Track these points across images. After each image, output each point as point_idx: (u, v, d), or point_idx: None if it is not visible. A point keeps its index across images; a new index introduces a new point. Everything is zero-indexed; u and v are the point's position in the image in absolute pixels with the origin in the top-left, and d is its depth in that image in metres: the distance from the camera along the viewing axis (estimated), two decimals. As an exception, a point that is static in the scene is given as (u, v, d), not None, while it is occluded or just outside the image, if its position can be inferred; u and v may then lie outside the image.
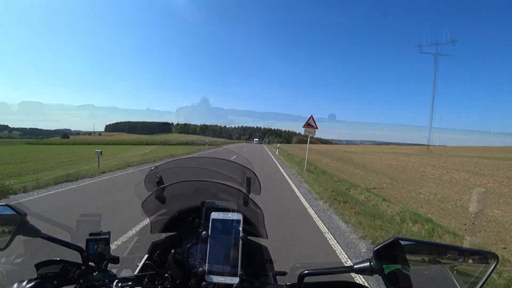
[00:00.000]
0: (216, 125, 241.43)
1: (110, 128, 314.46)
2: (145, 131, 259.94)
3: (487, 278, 0.54)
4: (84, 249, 0.73)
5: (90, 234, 0.75)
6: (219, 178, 1.06)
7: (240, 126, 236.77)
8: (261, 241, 1.04)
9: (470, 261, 0.56)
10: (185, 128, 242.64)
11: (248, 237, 0.78)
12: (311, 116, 12.35)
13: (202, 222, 0.86)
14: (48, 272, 0.69)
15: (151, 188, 1.02)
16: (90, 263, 0.72)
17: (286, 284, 0.69)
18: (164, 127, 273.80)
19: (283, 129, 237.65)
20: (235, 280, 0.63)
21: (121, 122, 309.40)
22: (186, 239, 0.95)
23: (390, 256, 0.57)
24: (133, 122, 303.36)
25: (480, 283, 0.54)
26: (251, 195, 1.02)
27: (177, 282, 0.86)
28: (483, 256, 0.56)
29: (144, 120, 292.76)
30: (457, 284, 0.55)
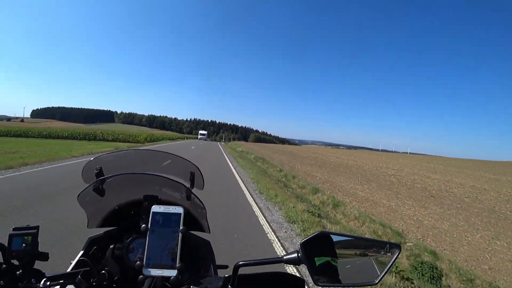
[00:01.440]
0: (166, 116, 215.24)
1: (38, 113, 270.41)
2: (80, 120, 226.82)
3: (391, 265, 0.65)
4: (6, 245, 0.66)
5: (14, 229, 0.68)
6: (162, 172, 1.04)
7: (193, 118, 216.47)
8: (205, 236, 1.04)
9: (382, 251, 0.67)
10: (130, 118, 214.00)
11: (191, 232, 0.85)
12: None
13: (143, 216, 0.89)
14: None
15: (89, 179, 0.98)
16: (13, 261, 0.67)
17: (224, 276, 0.72)
18: (106, 116, 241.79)
19: (240, 125, 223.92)
20: (172, 273, 0.63)
21: (52, 108, 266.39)
22: (126, 234, 0.93)
23: (316, 248, 0.64)
24: (67, 108, 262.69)
25: (385, 270, 0.65)
26: (194, 190, 1.04)
27: (115, 278, 0.84)
28: (390, 246, 0.68)
29: (82, 107, 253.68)
30: (371, 272, 0.66)
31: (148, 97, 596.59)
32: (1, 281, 0.64)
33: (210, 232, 1.04)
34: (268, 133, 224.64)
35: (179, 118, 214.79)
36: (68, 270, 0.79)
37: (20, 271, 0.66)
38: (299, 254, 0.64)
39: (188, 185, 1.05)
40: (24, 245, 0.67)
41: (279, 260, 0.67)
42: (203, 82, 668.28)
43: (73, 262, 0.84)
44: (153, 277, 0.65)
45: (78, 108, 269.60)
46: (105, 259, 0.91)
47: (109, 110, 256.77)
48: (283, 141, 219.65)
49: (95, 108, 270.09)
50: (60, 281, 0.70)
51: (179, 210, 0.70)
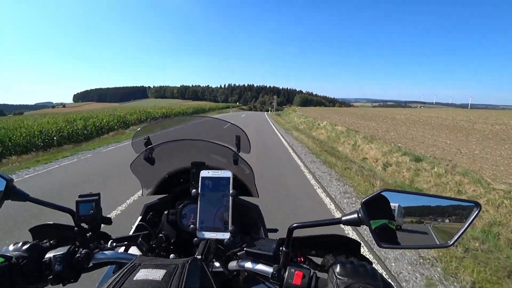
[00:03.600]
0: (198, 86, 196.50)
1: (79, 97, 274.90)
2: (116, 99, 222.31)
3: (468, 225, 0.58)
4: (75, 211, 0.74)
5: (80, 196, 0.76)
6: (208, 137, 1.07)
7: (227, 85, 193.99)
8: (253, 200, 1.06)
9: (457, 209, 0.60)
10: (161, 92, 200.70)
11: (240, 196, 0.85)
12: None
13: (193, 182, 0.95)
14: (42, 235, 0.75)
15: (139, 149, 1.02)
16: (82, 224, 0.74)
17: (277, 238, 0.73)
18: (139, 93, 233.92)
19: (281, 87, 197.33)
20: (226, 236, 0.66)
21: (90, 90, 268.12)
22: (178, 200, 0.98)
23: (377, 208, 0.60)
24: (103, 88, 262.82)
25: (461, 231, 0.58)
26: (241, 154, 1.06)
27: (172, 241, 0.89)
28: (467, 203, 0.60)
29: (115, 86, 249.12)
30: (438, 239, 0.59)
31: (180, 67, 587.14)
32: (77, 242, 0.71)
33: (258, 196, 1.06)
34: (314, 93, 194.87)
35: (213, 86, 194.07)
36: (130, 233, 0.86)
37: (90, 233, 0.73)
38: (360, 215, 0.59)
39: (234, 149, 1.06)
40: (90, 210, 0.74)
41: (338, 221, 0.63)
42: (234, 46, 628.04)
43: (133, 227, 0.92)
44: (207, 239, 0.68)
45: (113, 87, 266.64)
46: (161, 223, 0.96)
47: (142, 86, 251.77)
48: (332, 101, 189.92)
49: (129, 85, 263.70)
50: (125, 243, 0.78)
51: (227, 174, 0.71)
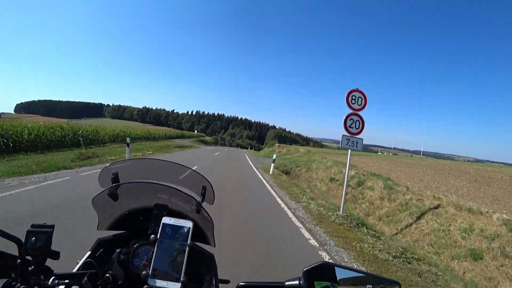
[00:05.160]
0: (163, 109, 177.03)
1: (22, 108, 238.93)
2: (66, 115, 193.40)
3: None
4: (23, 241, 0.71)
5: (32, 226, 0.72)
6: (175, 183, 1.10)
7: (195, 111, 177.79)
8: (209, 248, 1.07)
9: (382, 286, 0.69)
10: (120, 112, 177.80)
11: (196, 243, 0.85)
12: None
13: (152, 224, 0.94)
14: None
15: (105, 184, 1.04)
16: (27, 257, 0.70)
17: None
18: (95, 110, 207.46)
19: (253, 120, 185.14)
20: (177, 286, 0.67)
21: (37, 101, 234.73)
22: (134, 239, 0.97)
23: (318, 277, 0.67)
24: (52, 101, 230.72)
25: None
26: (204, 204, 1.10)
27: (119, 282, 0.86)
28: (390, 283, 0.70)
29: (68, 100, 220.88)
30: None
31: (144, 88, 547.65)
32: (12, 274, 0.68)
33: (215, 246, 1.07)
34: (287, 129, 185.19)
35: (179, 111, 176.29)
36: (75, 270, 0.83)
37: (32, 266, 0.69)
38: (301, 282, 0.67)
39: (199, 198, 1.11)
40: (39, 242, 0.70)
41: (281, 285, 0.70)
42: (206, 74, 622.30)
43: (80, 263, 0.87)
44: (157, 287, 0.69)
45: (65, 101, 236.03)
46: (111, 262, 0.94)
47: (100, 103, 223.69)
48: (306, 139, 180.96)
49: (84, 100, 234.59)
50: (67, 281, 0.72)
51: (188, 224, 0.74)
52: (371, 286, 0.68)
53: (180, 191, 1.01)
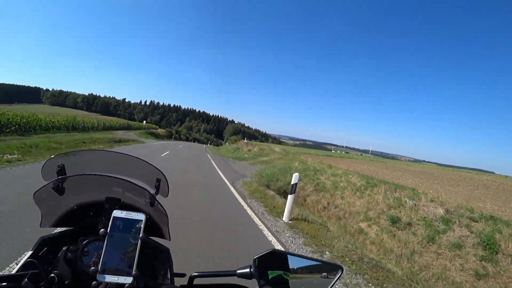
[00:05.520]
0: (112, 98, 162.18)
1: None
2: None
3: (332, 285, 0.71)
4: None
5: None
6: (127, 176, 1.03)
7: (149, 101, 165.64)
8: (165, 242, 1.04)
9: (326, 271, 0.74)
10: (61, 98, 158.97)
11: (151, 237, 0.83)
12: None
13: (103, 219, 0.89)
14: None
15: (49, 177, 0.95)
16: None
17: (180, 285, 0.76)
18: (30, 94, 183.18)
19: (211, 113, 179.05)
20: (128, 280, 0.65)
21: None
22: (82, 235, 0.92)
23: (267, 264, 0.71)
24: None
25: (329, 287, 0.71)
26: (159, 197, 1.08)
27: (66, 282, 0.81)
28: (334, 267, 0.75)
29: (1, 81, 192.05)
30: None
31: (91, 72, 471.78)
32: None
33: (170, 239, 1.05)
34: (246, 125, 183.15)
35: (131, 101, 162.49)
36: (14, 271, 0.76)
37: None
38: (252, 269, 0.70)
39: (152, 191, 1.08)
40: None
41: (233, 273, 0.73)
42: (162, 63, 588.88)
43: (20, 263, 0.80)
44: (107, 283, 0.66)
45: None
46: (57, 261, 0.88)
47: (36, 87, 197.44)
48: (265, 135, 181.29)
49: (17, 83, 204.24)
50: (4, 284, 0.67)
51: (140, 216, 0.71)
52: (320, 274, 0.73)
53: (133, 183, 0.94)
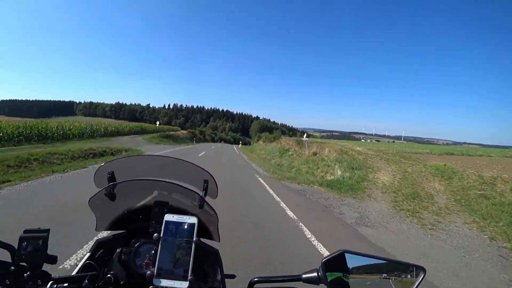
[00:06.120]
0: (138, 104, 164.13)
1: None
2: (34, 114, 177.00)
3: (416, 287, 0.65)
4: (16, 248, 0.67)
5: (25, 231, 0.68)
6: (176, 179, 1.06)
7: (172, 105, 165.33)
8: (213, 243, 1.03)
9: (405, 273, 0.67)
10: (92, 109, 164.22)
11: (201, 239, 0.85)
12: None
13: (153, 222, 0.91)
14: None
15: (101, 184, 1.00)
16: (22, 263, 0.67)
17: None
18: (65, 108, 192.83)
19: (235, 111, 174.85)
20: (184, 285, 0.64)
21: (2, 101, 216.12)
22: (134, 238, 0.94)
23: (336, 267, 0.64)
24: (18, 100, 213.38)
25: None
26: (207, 198, 1.07)
27: (121, 283, 0.84)
28: (414, 268, 0.67)
29: (36, 99, 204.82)
30: None
31: (116, 82, 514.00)
32: (7, 281, 0.66)
33: (219, 241, 1.04)
34: (272, 120, 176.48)
35: (155, 106, 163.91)
36: (74, 273, 0.80)
37: (28, 273, 0.67)
38: (320, 273, 0.64)
39: (201, 193, 1.08)
40: (34, 248, 0.67)
41: (297, 278, 0.68)
42: (182, 70, 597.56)
43: (79, 265, 0.84)
44: (164, 287, 0.66)
45: (32, 100, 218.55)
46: (112, 262, 0.91)
47: (70, 101, 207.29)
48: (292, 129, 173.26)
49: (52, 99, 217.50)
50: (66, 285, 0.71)
51: (193, 220, 0.71)
52: (385, 274, 0.66)
53: (181, 186, 0.97)
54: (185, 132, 59.17)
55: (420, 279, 0.65)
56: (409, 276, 0.66)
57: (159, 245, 0.67)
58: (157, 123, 43.39)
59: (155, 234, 0.68)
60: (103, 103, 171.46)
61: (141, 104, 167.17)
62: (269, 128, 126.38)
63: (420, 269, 0.66)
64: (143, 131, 36.69)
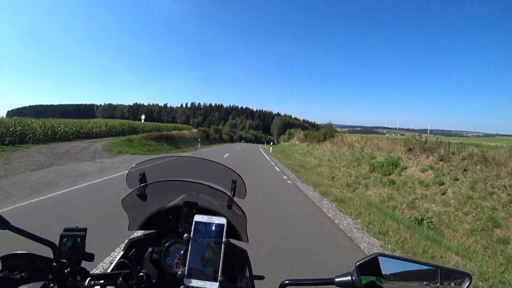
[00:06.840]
0: (155, 104, 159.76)
1: (14, 113, 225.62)
2: (57, 117, 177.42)
3: None
4: (58, 245, 0.73)
5: (65, 230, 0.74)
6: (204, 179, 1.08)
7: (190, 104, 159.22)
8: (241, 244, 1.03)
9: (448, 280, 0.62)
10: (110, 110, 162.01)
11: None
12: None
13: (182, 222, 0.94)
14: (14, 265, 0.70)
15: (133, 185, 1.03)
16: (62, 260, 0.72)
17: None
18: (86, 111, 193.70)
19: (255, 108, 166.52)
20: (214, 286, 0.65)
21: (27, 107, 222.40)
22: (165, 238, 0.96)
23: (370, 271, 0.62)
24: (43, 105, 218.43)
25: None
26: (236, 198, 1.08)
27: (153, 281, 0.86)
28: (459, 275, 0.63)
29: (60, 103, 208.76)
30: None
31: (134, 83, 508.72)
32: (50, 276, 0.70)
33: (248, 242, 1.03)
34: (293, 116, 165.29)
35: (173, 105, 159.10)
36: (109, 270, 0.83)
37: (68, 269, 0.71)
38: (354, 277, 0.62)
39: (229, 193, 1.08)
40: (73, 245, 0.72)
41: (330, 282, 0.66)
42: (203, 66, 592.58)
43: (114, 263, 0.88)
44: (194, 287, 0.68)
45: (56, 105, 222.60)
46: (143, 261, 0.94)
47: (91, 104, 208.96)
48: (314, 125, 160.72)
49: (74, 103, 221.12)
50: (102, 281, 0.74)
51: (222, 221, 0.71)
52: (425, 282, 0.62)
53: (210, 186, 0.98)
54: (195, 131, 48.78)
55: (466, 286, 0.60)
56: (452, 284, 0.61)
57: (189, 246, 0.68)
58: (142, 117, 30.08)
59: (185, 235, 0.69)
60: (121, 105, 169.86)
61: (159, 104, 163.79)
62: (291, 125, 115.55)
63: (466, 276, 0.62)
64: (132, 130, 28.15)
